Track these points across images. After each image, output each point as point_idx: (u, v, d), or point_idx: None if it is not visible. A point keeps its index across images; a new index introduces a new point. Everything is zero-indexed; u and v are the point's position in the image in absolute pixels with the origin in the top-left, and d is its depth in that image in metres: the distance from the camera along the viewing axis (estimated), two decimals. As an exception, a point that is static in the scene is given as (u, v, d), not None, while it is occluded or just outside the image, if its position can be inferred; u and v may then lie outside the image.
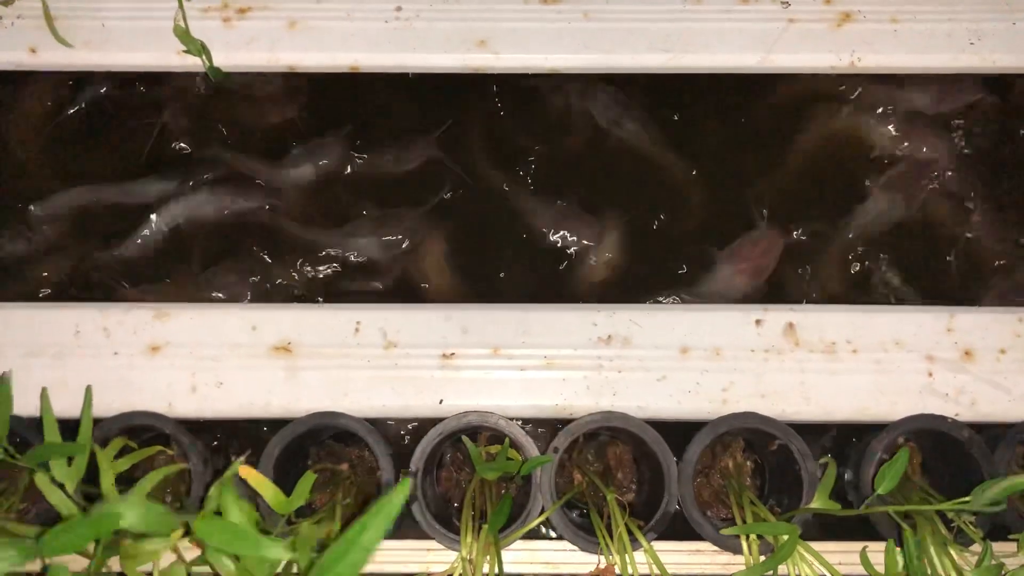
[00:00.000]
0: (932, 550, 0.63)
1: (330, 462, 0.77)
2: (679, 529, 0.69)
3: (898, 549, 0.64)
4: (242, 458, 0.62)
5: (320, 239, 0.81)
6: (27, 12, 0.81)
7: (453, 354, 0.73)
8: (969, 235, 0.81)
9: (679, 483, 0.69)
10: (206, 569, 0.57)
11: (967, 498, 0.61)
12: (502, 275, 0.81)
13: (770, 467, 0.76)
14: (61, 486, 0.64)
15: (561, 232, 0.82)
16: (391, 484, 0.68)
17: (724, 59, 0.80)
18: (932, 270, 0.80)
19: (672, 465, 0.69)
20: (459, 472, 0.78)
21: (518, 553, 0.70)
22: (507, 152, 0.84)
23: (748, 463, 0.78)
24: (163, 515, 0.56)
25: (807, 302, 0.77)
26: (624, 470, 0.78)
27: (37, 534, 0.53)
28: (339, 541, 0.42)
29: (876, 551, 0.65)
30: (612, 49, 0.80)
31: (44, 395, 0.65)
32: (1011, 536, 0.67)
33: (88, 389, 0.65)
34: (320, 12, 0.81)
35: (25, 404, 0.69)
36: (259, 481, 0.64)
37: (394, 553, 0.69)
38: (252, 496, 0.63)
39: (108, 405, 0.71)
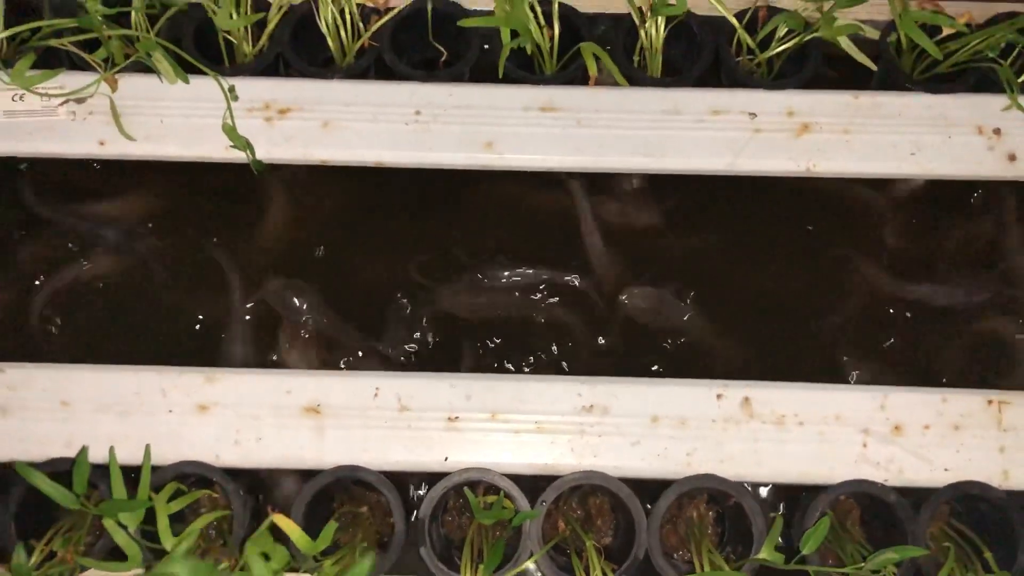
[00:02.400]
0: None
1: (351, 505, 0.89)
2: (648, 572, 0.82)
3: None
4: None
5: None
6: (97, 109, 0.93)
7: (457, 417, 0.85)
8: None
9: (648, 534, 0.82)
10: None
11: (861, 564, 0.75)
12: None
13: (729, 518, 0.88)
14: (124, 527, 0.77)
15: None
16: (403, 530, 0.81)
17: (697, 163, 0.92)
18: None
19: (643, 518, 0.82)
20: (460, 516, 0.90)
21: (509, 590, 0.82)
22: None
23: (711, 513, 0.90)
24: (209, 570, 0.69)
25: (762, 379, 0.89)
26: (603, 517, 0.90)
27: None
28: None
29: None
30: (601, 152, 0.93)
31: (112, 453, 0.78)
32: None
33: (147, 448, 0.79)
34: (349, 115, 0.93)
35: (94, 453, 0.82)
36: (289, 527, 0.77)
37: (403, 588, 0.82)
38: (285, 539, 0.76)
39: (163, 455, 0.83)
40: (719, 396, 0.86)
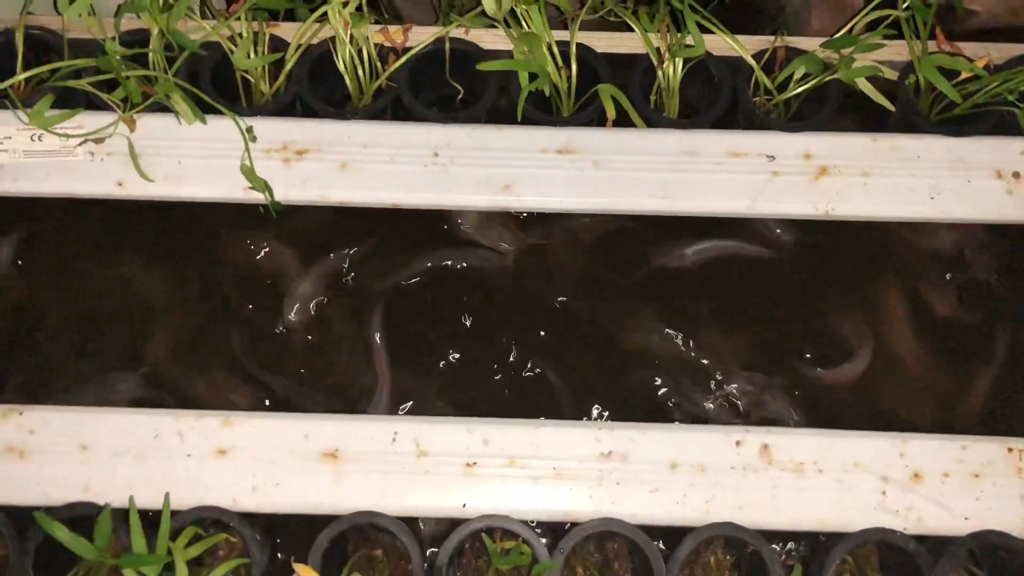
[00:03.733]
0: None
1: (366, 548, 0.89)
2: (666, 619, 0.82)
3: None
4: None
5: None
6: (115, 149, 0.93)
7: (475, 463, 0.85)
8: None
9: (666, 581, 0.82)
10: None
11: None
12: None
13: (747, 565, 0.88)
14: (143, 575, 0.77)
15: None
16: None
17: (716, 205, 0.92)
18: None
19: (661, 566, 0.81)
20: (477, 560, 0.90)
21: (527, 638, 0.82)
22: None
23: (728, 558, 0.90)
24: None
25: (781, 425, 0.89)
26: (620, 561, 0.90)
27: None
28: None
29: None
30: (619, 194, 0.93)
31: (131, 503, 0.78)
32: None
33: (167, 497, 0.79)
34: (367, 156, 0.93)
35: (111, 497, 0.82)
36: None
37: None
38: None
39: (181, 500, 0.83)
40: (738, 443, 0.85)
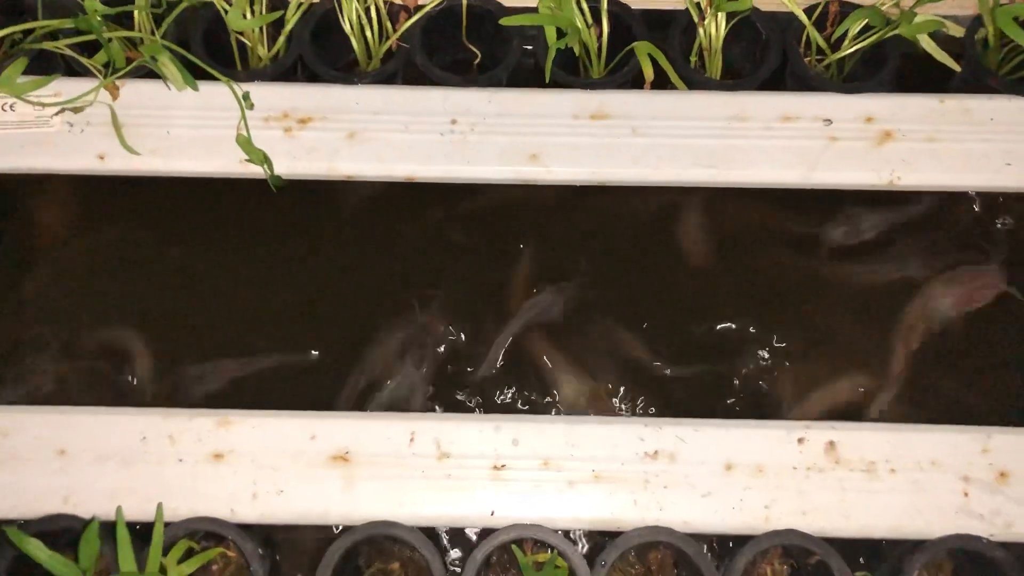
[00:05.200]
0: None
1: (381, 562, 0.80)
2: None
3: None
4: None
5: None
6: (96, 119, 0.84)
7: (504, 465, 0.75)
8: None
9: (722, 597, 0.72)
10: None
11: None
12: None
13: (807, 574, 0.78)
14: (132, 594, 0.68)
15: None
16: (445, 595, 0.72)
17: (767, 175, 0.83)
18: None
19: (715, 579, 0.72)
20: (505, 572, 0.81)
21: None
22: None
23: (786, 568, 0.80)
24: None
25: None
26: (665, 573, 0.81)
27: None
28: None
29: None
30: (659, 164, 0.83)
31: (119, 515, 0.69)
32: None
33: (159, 508, 0.69)
34: (377, 124, 0.84)
35: (95, 508, 0.73)
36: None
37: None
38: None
39: (173, 510, 0.73)
40: (800, 440, 0.76)
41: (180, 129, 0.84)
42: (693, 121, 0.84)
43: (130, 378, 0.82)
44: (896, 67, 0.86)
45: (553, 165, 0.83)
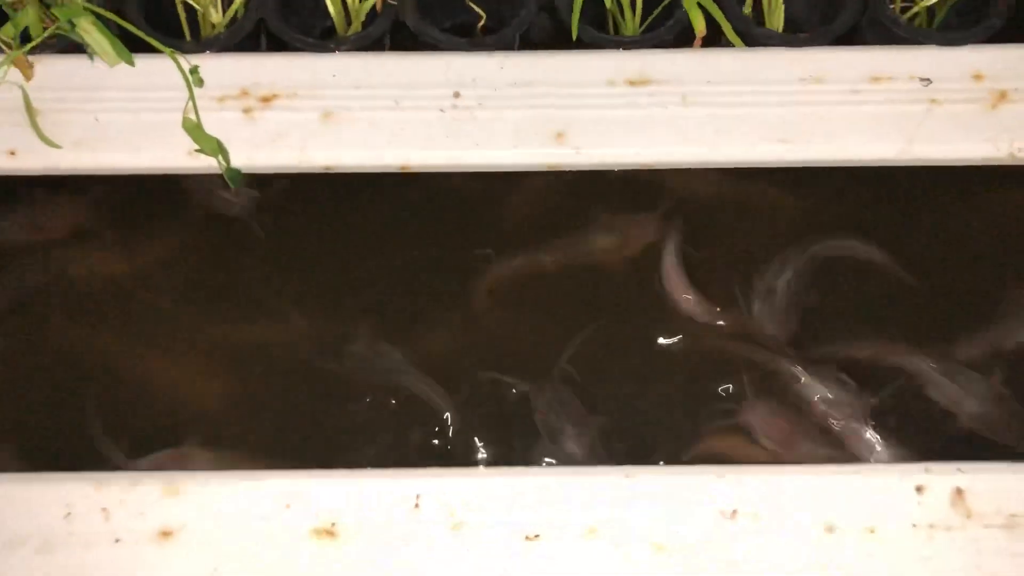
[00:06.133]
0: None
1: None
2: None
3: None
4: None
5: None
6: (5, 104, 0.67)
7: (538, 536, 0.58)
8: None
9: None
10: None
11: None
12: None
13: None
14: None
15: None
16: None
17: (855, 150, 0.66)
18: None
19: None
20: (541, 665, 0.63)
21: None
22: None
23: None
24: None
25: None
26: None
27: None
28: None
29: None
30: (719, 140, 0.66)
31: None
32: None
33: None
34: (361, 101, 0.67)
35: (3, 610, 0.55)
36: None
37: None
38: None
39: (108, 609, 0.56)
40: (919, 488, 0.59)
41: (112, 115, 0.68)
42: (758, 85, 0.67)
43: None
44: (1003, 13, 0.70)
45: (584, 145, 0.66)
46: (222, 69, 0.68)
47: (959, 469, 0.59)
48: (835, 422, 0.63)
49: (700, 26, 0.67)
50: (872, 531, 0.58)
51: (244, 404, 0.65)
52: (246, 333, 0.67)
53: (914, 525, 0.58)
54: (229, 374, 0.66)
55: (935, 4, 0.72)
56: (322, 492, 0.59)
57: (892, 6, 0.71)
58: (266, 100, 0.68)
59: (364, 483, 0.59)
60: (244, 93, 0.68)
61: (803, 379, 0.64)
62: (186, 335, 0.66)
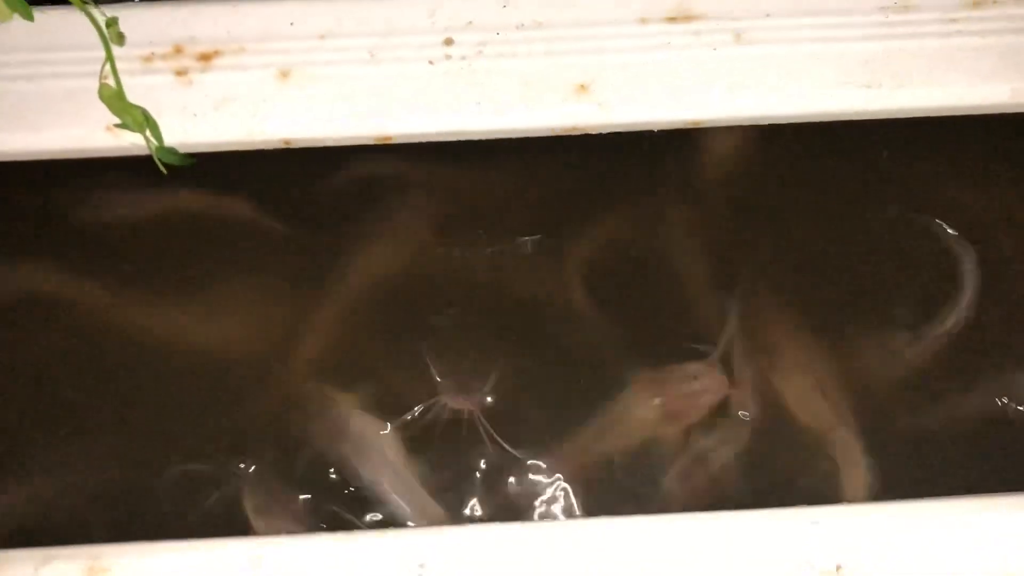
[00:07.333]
0: None
1: None
2: None
3: None
4: None
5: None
6: None
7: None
8: None
9: None
10: None
11: None
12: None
13: None
14: None
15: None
16: None
17: (961, 94, 0.52)
18: None
19: None
20: None
21: None
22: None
23: None
24: None
25: None
26: None
27: None
28: None
29: None
30: (782, 88, 0.52)
31: None
32: None
33: None
34: (326, 54, 0.52)
35: None
36: None
37: None
38: None
39: None
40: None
41: (7, 83, 0.53)
42: (830, 16, 0.53)
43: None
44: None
45: (612, 101, 0.52)
46: (148, 21, 0.54)
47: None
48: None
49: (753, -56, 0.53)
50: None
51: None
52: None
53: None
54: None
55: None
56: (296, 557, 0.45)
57: (983, -84, 0.58)
58: (206, 58, 0.53)
59: (350, 545, 0.45)
60: (177, 50, 0.53)
61: None
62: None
